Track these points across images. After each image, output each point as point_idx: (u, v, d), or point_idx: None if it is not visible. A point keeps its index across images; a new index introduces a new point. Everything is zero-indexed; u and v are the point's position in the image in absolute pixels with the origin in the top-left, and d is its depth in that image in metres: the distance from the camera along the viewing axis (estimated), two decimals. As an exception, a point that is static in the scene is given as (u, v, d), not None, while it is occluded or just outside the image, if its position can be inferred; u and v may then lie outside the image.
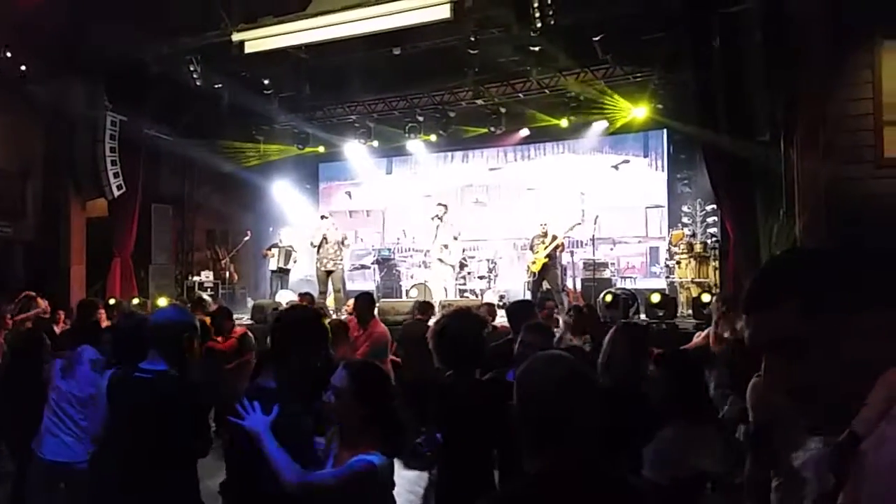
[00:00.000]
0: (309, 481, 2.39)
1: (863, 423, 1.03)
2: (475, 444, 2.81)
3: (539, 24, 9.31)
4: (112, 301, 10.99)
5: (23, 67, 11.79)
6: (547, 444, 1.64)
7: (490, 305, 8.56)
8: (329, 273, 11.96)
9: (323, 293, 11.87)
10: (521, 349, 3.51)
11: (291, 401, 2.65)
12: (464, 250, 12.99)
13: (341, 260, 12.17)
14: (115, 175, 12.40)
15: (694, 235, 12.47)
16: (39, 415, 4.64)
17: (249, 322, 10.72)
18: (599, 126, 13.65)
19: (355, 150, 15.56)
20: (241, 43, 10.54)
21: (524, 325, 3.92)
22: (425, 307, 8.13)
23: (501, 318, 8.57)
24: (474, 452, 2.80)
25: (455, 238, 12.56)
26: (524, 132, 14.62)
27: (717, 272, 11.30)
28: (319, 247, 12.09)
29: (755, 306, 1.13)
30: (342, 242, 12.16)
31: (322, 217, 12.72)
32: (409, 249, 16.02)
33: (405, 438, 2.44)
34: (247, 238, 15.10)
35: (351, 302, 8.16)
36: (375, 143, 14.85)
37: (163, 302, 11.19)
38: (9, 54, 11.52)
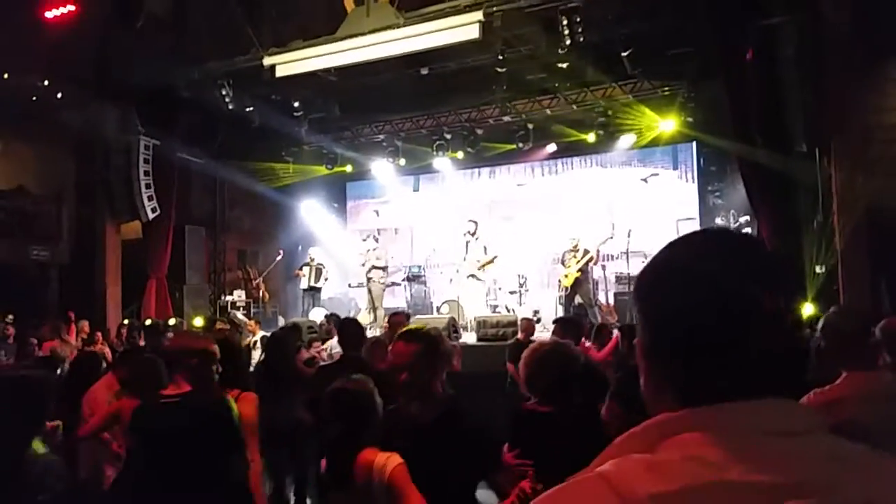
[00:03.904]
0: None
1: None
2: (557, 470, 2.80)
3: (568, 42, 9.30)
4: (149, 322, 11.13)
5: (59, 95, 12.04)
6: None
7: (528, 320, 8.53)
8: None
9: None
10: None
11: None
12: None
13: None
14: (150, 198, 12.60)
15: (727, 248, 12.32)
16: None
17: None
18: (627, 140, 13.59)
19: (383, 169, 15.66)
20: (272, 67, 10.65)
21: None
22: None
23: (539, 332, 8.56)
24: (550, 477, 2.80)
25: (492, 261, 12.58)
26: (551, 147, 14.61)
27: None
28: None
29: None
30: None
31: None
32: (439, 266, 16.03)
33: None
34: (279, 258, 15.21)
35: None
36: (403, 162, 14.94)
37: (199, 322, 11.33)
38: (46, 82, 11.77)
